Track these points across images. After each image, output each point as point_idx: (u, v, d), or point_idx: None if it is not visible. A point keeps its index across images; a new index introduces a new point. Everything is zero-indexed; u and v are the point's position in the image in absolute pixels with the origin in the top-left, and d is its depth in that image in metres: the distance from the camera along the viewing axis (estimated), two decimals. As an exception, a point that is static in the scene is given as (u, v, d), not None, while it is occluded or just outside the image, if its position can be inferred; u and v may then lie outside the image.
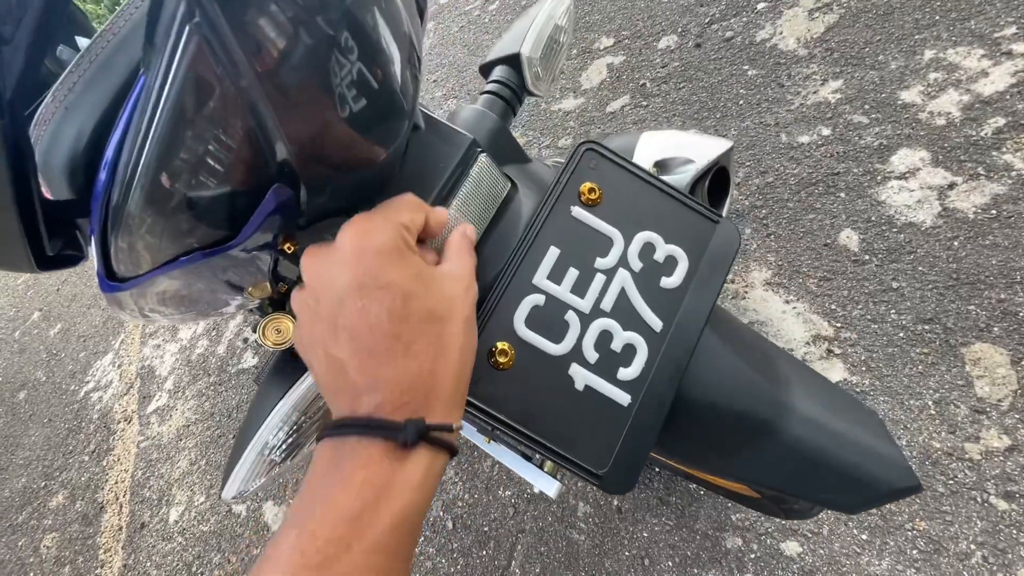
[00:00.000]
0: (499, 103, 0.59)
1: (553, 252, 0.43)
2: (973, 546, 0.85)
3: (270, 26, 0.22)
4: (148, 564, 1.63)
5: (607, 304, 0.42)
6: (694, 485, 1.07)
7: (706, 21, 1.68)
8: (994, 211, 1.05)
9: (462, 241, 0.39)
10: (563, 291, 0.42)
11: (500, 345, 0.41)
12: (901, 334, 1.03)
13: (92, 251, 0.36)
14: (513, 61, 0.60)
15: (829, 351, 1.07)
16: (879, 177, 1.19)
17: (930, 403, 0.96)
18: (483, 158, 0.44)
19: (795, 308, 1.14)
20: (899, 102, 1.25)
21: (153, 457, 1.89)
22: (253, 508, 1.56)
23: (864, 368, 1.03)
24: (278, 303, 0.53)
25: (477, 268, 0.45)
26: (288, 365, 0.53)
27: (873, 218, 1.15)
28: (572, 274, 0.42)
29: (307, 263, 0.34)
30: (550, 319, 0.42)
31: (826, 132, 1.30)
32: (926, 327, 1.02)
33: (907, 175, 1.16)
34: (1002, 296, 0.98)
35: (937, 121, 1.19)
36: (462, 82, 2.19)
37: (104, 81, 0.30)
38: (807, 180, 1.27)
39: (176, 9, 0.21)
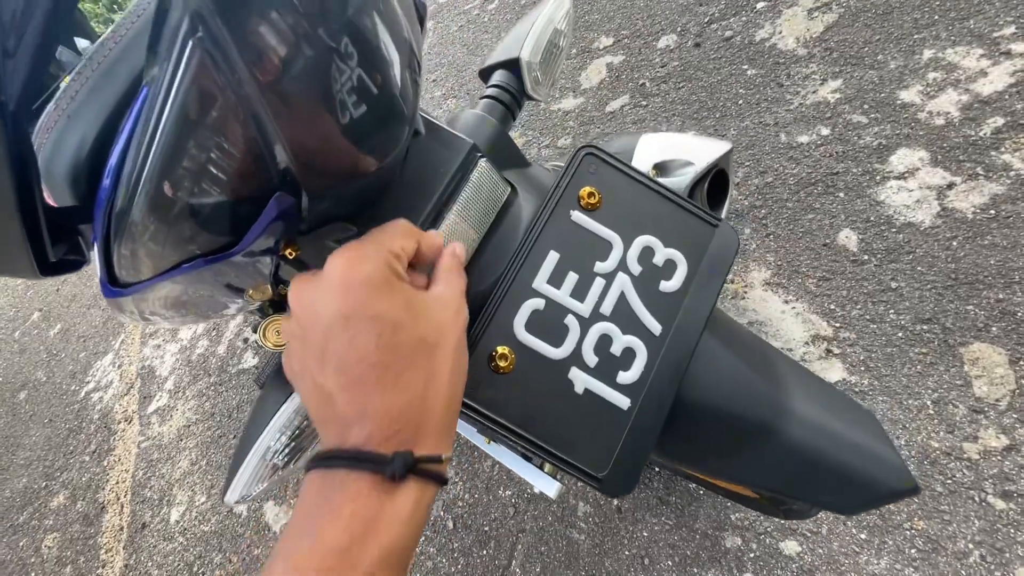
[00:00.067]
0: (499, 107, 0.59)
1: (553, 256, 0.43)
2: (971, 545, 0.85)
3: (272, 39, 0.23)
4: (149, 564, 1.64)
5: (607, 308, 0.42)
6: (693, 485, 1.08)
7: (705, 20, 1.68)
8: (992, 211, 1.06)
9: (452, 263, 0.38)
10: (563, 295, 0.42)
11: (500, 349, 0.41)
12: (900, 334, 1.03)
13: (94, 256, 0.36)
14: (512, 65, 0.60)
15: (828, 351, 1.07)
16: (878, 177, 1.19)
17: (928, 403, 0.96)
18: (483, 163, 0.44)
19: (794, 308, 1.14)
20: (898, 102, 1.25)
21: (154, 457, 1.89)
22: (254, 508, 1.56)
23: (863, 368, 1.03)
24: (278, 305, 0.53)
25: (477, 272, 0.45)
26: (289, 369, 0.53)
27: (872, 218, 1.16)
28: (572, 278, 0.43)
29: (295, 293, 0.34)
30: (550, 323, 0.42)
31: (825, 132, 1.30)
32: (925, 327, 1.02)
33: (906, 175, 1.16)
34: (1000, 296, 0.99)
35: (936, 121, 1.19)
36: (461, 81, 2.19)
37: (106, 90, 0.30)
38: (806, 180, 1.27)
39: (180, 24, 0.21)
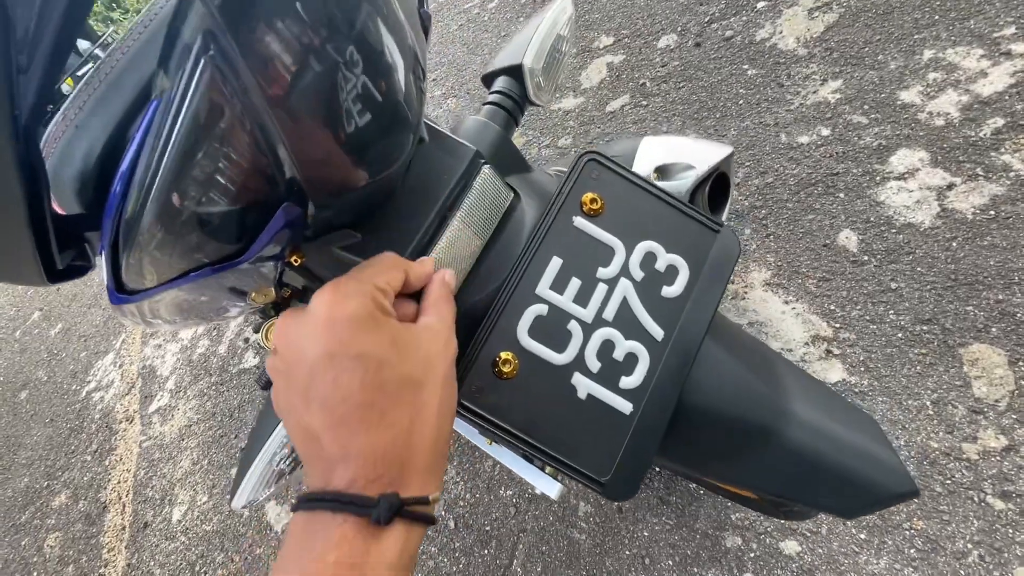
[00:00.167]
0: (501, 114, 0.59)
1: (556, 262, 0.43)
2: (970, 545, 0.86)
3: (281, 55, 0.23)
4: (152, 563, 1.64)
5: (609, 313, 0.43)
6: (694, 485, 1.08)
7: (706, 20, 1.68)
8: (992, 212, 1.06)
9: (441, 291, 0.38)
10: (566, 301, 0.43)
11: (504, 355, 0.41)
12: (899, 335, 1.04)
13: (99, 261, 0.37)
14: (515, 72, 0.61)
15: (828, 351, 1.08)
16: (878, 178, 1.19)
17: (928, 403, 0.97)
18: (486, 170, 0.44)
19: (794, 308, 1.14)
20: (898, 102, 1.25)
21: (155, 457, 1.89)
22: (256, 508, 1.57)
23: (863, 368, 1.04)
24: (281, 306, 0.53)
25: (481, 278, 0.45)
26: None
27: (872, 219, 1.16)
28: (574, 284, 0.43)
29: (280, 330, 0.34)
30: (553, 329, 0.42)
31: (825, 132, 1.31)
32: (924, 328, 1.02)
33: (906, 175, 1.17)
34: (1000, 297, 0.99)
35: (936, 121, 1.19)
36: (461, 80, 2.19)
37: (114, 101, 0.30)
38: (806, 180, 1.27)
39: (192, 41, 0.22)
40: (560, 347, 0.42)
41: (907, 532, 0.90)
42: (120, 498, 1.87)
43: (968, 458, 0.91)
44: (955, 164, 1.13)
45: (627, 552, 1.08)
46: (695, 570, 1.01)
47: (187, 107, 0.24)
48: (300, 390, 0.31)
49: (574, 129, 1.73)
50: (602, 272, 0.44)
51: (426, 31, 0.38)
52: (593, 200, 0.45)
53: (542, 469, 0.82)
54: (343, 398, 0.30)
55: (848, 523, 0.94)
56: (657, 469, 1.11)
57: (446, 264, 0.43)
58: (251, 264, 0.35)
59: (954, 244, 1.06)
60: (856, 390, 1.02)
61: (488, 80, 0.64)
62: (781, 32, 1.52)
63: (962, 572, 0.85)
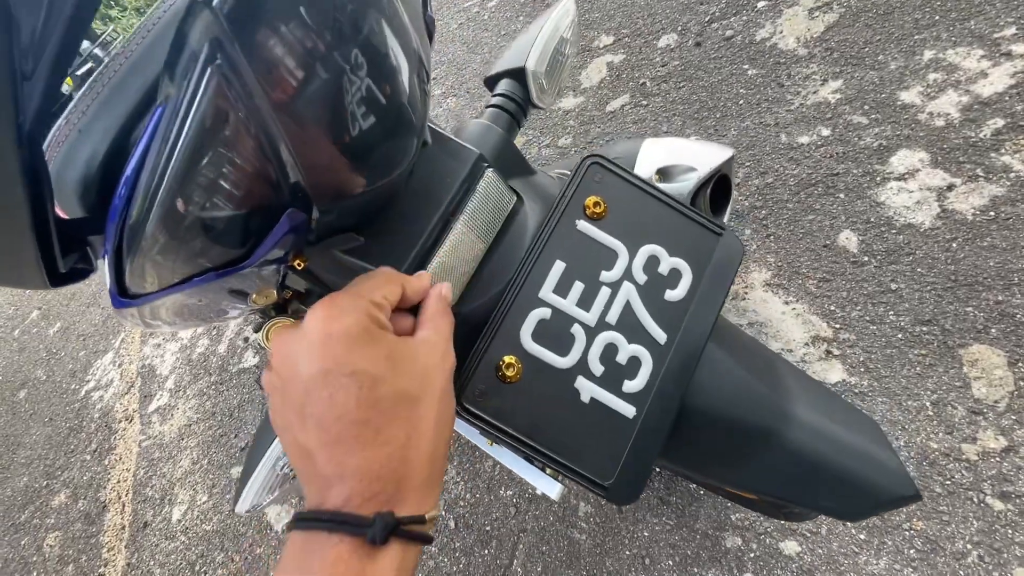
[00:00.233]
0: (504, 116, 0.59)
1: (559, 266, 0.43)
2: (969, 546, 0.86)
3: (288, 63, 0.23)
4: (152, 563, 1.64)
5: (612, 317, 0.43)
6: (694, 485, 1.08)
7: (706, 19, 1.68)
8: (992, 213, 1.06)
9: (438, 305, 0.38)
10: (569, 304, 0.43)
11: (507, 359, 0.41)
12: (899, 335, 1.04)
13: (101, 265, 0.37)
14: (518, 75, 0.60)
15: (828, 352, 1.08)
16: (878, 178, 1.19)
17: (928, 404, 0.97)
18: (490, 173, 0.44)
19: (794, 309, 1.15)
20: (899, 103, 1.25)
21: (155, 456, 1.89)
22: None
23: (863, 369, 1.04)
24: (281, 307, 0.53)
25: (484, 281, 0.45)
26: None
27: (872, 219, 1.16)
28: (578, 287, 0.43)
29: (275, 347, 0.33)
30: (556, 332, 0.42)
31: (826, 132, 1.31)
32: (924, 328, 1.03)
33: (906, 176, 1.17)
34: (1000, 298, 0.99)
35: (936, 122, 1.19)
36: (461, 80, 2.19)
37: (117, 105, 0.30)
38: (807, 181, 1.27)
39: (200, 48, 0.22)
40: (563, 351, 0.42)
41: (907, 532, 0.90)
42: (120, 497, 1.87)
43: (968, 459, 0.91)
44: (955, 165, 1.13)
45: (627, 552, 1.08)
46: (695, 570, 1.01)
47: (194, 114, 0.24)
48: (295, 407, 0.31)
49: (574, 129, 1.73)
50: (605, 276, 0.44)
51: (431, 35, 0.38)
52: (596, 203, 0.45)
53: (542, 469, 0.82)
54: (338, 416, 0.29)
55: (848, 524, 0.94)
56: (657, 470, 1.11)
57: (449, 267, 0.43)
58: (254, 268, 0.35)
59: (954, 245, 1.07)
60: (856, 391, 1.02)
61: (491, 83, 0.64)
62: (781, 32, 1.52)
63: (961, 573, 0.85)
